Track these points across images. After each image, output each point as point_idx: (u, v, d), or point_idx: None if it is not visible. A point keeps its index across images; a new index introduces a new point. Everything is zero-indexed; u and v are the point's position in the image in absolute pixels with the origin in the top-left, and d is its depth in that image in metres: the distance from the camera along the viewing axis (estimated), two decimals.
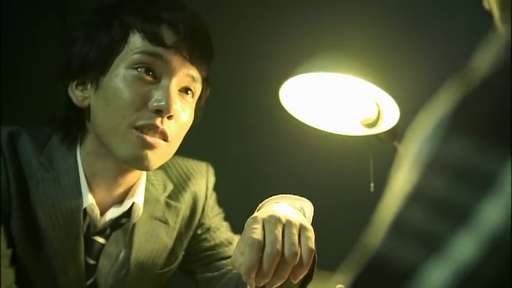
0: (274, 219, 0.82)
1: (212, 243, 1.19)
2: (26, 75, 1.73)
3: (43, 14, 1.83)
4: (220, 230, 1.21)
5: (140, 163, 1.01)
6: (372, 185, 1.20)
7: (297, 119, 1.18)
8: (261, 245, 0.79)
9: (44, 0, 1.83)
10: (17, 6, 1.75)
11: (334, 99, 1.15)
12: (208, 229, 1.20)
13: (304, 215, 0.90)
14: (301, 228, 0.83)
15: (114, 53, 1.02)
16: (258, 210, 0.92)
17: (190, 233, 1.19)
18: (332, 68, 1.04)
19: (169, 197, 1.16)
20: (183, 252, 1.18)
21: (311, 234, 0.83)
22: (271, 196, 0.94)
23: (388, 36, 1.38)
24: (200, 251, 1.20)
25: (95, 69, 1.03)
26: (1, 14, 1.65)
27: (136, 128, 0.99)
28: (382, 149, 1.20)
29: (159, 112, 0.99)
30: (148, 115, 0.99)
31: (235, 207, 1.21)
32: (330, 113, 1.18)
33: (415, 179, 0.35)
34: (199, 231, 1.20)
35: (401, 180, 0.37)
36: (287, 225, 0.82)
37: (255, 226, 0.81)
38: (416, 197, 0.34)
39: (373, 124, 1.17)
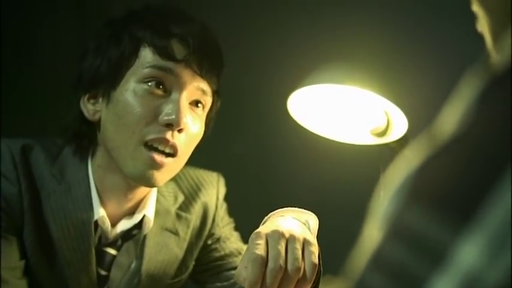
0: (277, 235, 0.83)
1: (222, 253, 1.20)
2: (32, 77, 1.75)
3: (59, 16, 1.85)
4: (230, 240, 1.22)
5: (147, 181, 1.02)
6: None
7: (306, 129, 1.18)
8: (264, 261, 0.80)
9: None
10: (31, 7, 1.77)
11: (343, 109, 1.15)
12: (218, 239, 1.21)
13: (309, 228, 0.91)
14: (305, 243, 0.84)
15: (124, 67, 1.03)
16: (264, 223, 0.93)
17: (201, 243, 1.20)
18: (339, 79, 1.04)
19: (180, 208, 1.17)
20: (193, 262, 1.20)
21: (315, 248, 0.84)
22: (281, 204, 0.95)
23: (395, 46, 1.38)
24: (210, 261, 1.21)
25: (105, 83, 1.04)
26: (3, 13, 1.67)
27: (147, 143, 1.00)
28: (392, 157, 1.20)
29: (170, 126, 1.00)
30: (158, 129, 1.00)
31: (245, 215, 1.22)
32: (339, 123, 1.18)
33: (378, 241, 0.35)
34: (209, 242, 1.21)
35: (370, 237, 0.36)
36: (290, 240, 0.83)
37: (258, 242, 0.82)
38: (376, 260, 0.34)
39: (382, 133, 1.16)
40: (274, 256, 0.80)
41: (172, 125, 1.00)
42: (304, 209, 0.95)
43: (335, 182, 1.49)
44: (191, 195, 1.19)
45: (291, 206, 0.95)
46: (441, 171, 0.33)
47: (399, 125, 1.13)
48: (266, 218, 0.94)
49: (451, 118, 0.36)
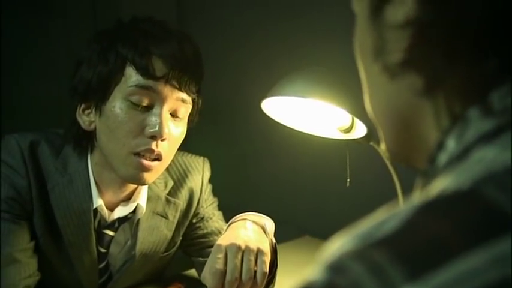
0: (235, 248, 1.03)
1: (205, 231, 1.38)
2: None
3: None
4: (212, 219, 1.39)
5: (139, 182, 1.19)
6: (348, 180, 1.34)
7: (281, 125, 1.31)
8: (223, 273, 1.02)
9: None
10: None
11: (310, 110, 1.27)
12: (202, 218, 1.38)
13: (265, 230, 1.09)
14: (258, 253, 1.04)
15: (112, 83, 1.15)
16: (229, 225, 1.12)
17: (187, 223, 1.37)
18: (301, 93, 1.15)
19: (169, 194, 1.33)
20: (180, 238, 1.38)
21: (266, 258, 1.04)
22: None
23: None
24: (194, 238, 1.39)
25: (96, 97, 1.16)
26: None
27: (136, 153, 1.15)
28: (359, 148, 1.33)
29: (154, 137, 1.14)
30: (145, 141, 1.14)
31: (228, 199, 1.39)
32: (309, 120, 1.30)
33: None
34: (194, 220, 1.38)
35: None
36: (246, 252, 1.03)
37: (218, 255, 1.02)
38: None
39: (348, 130, 1.29)
40: (231, 270, 1.02)
41: (156, 136, 1.14)
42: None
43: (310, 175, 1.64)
44: (179, 181, 1.35)
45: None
46: None
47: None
48: (231, 220, 1.12)
49: None
